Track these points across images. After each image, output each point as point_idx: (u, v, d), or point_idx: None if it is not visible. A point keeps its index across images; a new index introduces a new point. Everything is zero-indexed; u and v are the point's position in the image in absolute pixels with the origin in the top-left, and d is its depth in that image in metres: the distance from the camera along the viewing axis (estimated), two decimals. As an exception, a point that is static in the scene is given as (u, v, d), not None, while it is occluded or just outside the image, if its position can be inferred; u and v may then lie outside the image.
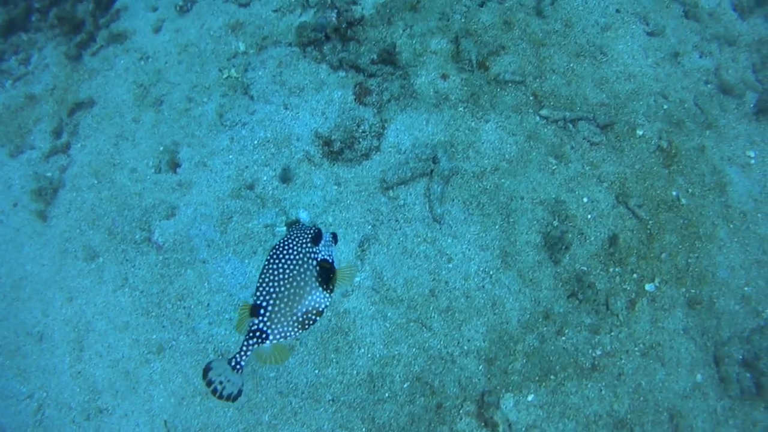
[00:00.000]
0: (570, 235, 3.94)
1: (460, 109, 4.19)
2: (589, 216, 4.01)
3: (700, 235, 4.13)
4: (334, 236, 2.46)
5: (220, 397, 2.27)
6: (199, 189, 4.18)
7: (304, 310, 2.31)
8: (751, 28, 5.01)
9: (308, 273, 2.31)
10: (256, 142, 4.20)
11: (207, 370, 2.26)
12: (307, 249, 2.34)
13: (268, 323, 2.24)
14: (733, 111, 4.60)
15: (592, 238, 3.97)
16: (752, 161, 4.47)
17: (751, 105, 4.67)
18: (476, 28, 4.49)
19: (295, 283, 2.29)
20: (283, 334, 2.28)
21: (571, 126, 4.21)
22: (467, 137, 4.10)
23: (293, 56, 4.42)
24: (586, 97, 4.35)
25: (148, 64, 4.69)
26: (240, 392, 2.30)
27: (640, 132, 4.33)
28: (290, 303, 2.28)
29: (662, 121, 4.41)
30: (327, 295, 2.34)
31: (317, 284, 2.32)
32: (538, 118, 4.22)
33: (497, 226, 3.91)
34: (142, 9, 5.00)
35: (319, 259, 2.34)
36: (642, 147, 4.28)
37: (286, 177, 4.07)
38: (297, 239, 2.36)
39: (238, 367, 2.23)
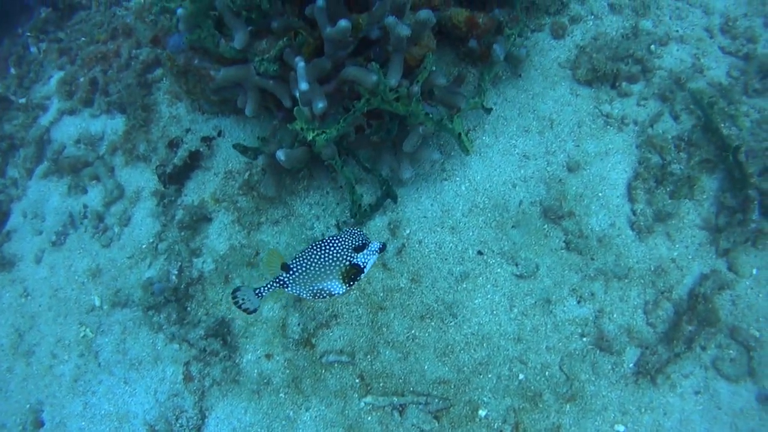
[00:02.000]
0: None
1: (281, 395, 4.06)
2: None
3: None
4: (383, 246, 3.12)
5: (240, 307, 3.05)
6: (59, 451, 4.51)
7: (320, 287, 3.00)
8: (648, 252, 4.26)
9: (336, 268, 2.99)
10: (102, 413, 4.40)
11: (236, 290, 3.06)
12: (346, 252, 3.01)
13: (290, 282, 2.97)
14: (607, 374, 4.04)
15: None
16: (620, 439, 3.96)
17: (631, 364, 4.07)
18: (313, 289, 4.22)
19: (322, 270, 2.98)
20: (297, 293, 3.03)
21: (397, 414, 3.95)
22: (283, 429, 4.00)
23: (136, 322, 4.47)
24: (423, 373, 4.02)
25: (27, 304, 4.95)
26: (256, 310, 3.08)
27: (482, 413, 3.97)
28: (312, 279, 2.98)
29: (514, 396, 3.99)
30: (344, 286, 3.03)
31: (339, 277, 2.99)
32: (362, 404, 4.00)
33: None
34: (29, 232, 5.21)
35: (352, 263, 3.00)
36: (481, 433, 3.94)
37: (124, 457, 4.26)
38: (343, 242, 3.03)
39: (260, 295, 3.02)
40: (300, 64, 3.88)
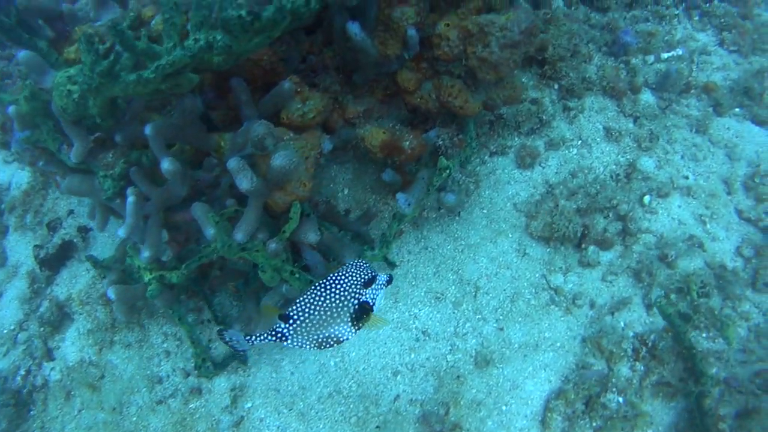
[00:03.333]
0: None
1: None
2: None
3: None
4: (390, 280, 2.68)
5: (228, 344, 2.70)
6: None
7: (326, 335, 2.56)
8: None
9: (344, 309, 2.56)
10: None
11: (222, 330, 2.73)
12: (354, 289, 2.58)
13: (291, 333, 2.55)
14: None
15: None
16: None
17: None
18: (142, 439, 3.65)
19: (328, 313, 2.55)
20: (299, 345, 2.61)
21: None
22: None
23: (-23, 416, 4.15)
24: None
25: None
26: (244, 353, 2.81)
27: None
28: (316, 326, 2.55)
29: None
30: (352, 330, 2.61)
31: (348, 319, 2.56)
32: None
33: None
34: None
35: (361, 301, 2.57)
36: None
37: None
38: (352, 278, 2.60)
39: (250, 343, 2.63)
40: (129, 199, 3.17)
